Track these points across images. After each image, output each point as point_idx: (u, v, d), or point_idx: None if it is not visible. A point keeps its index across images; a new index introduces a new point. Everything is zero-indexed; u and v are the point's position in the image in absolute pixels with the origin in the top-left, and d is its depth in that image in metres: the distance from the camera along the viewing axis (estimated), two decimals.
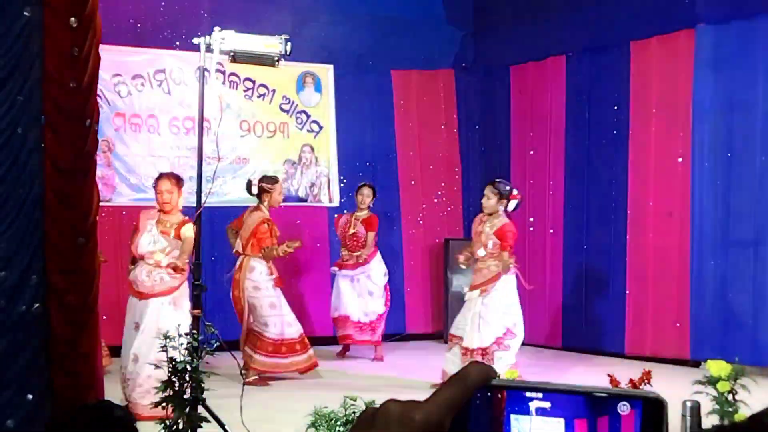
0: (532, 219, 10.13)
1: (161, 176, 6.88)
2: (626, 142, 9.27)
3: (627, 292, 9.27)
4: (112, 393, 6.34)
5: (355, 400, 4.79)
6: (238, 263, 8.03)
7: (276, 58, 6.21)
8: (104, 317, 5.39)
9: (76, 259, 4.47)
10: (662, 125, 9.00)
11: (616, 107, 9.39)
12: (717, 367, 5.36)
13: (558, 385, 0.72)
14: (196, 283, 5.76)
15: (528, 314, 10.05)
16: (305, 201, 10.20)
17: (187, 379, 5.11)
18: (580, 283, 9.73)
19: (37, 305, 4.37)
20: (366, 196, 9.20)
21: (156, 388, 5.29)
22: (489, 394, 0.72)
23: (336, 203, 10.26)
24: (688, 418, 5.10)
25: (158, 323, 6.40)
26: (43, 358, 4.40)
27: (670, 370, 8.07)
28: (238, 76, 9.78)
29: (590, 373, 8.12)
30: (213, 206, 7.81)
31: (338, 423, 4.70)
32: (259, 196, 8.09)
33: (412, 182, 10.63)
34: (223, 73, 9.48)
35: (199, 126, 5.93)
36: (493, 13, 10.65)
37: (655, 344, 8.97)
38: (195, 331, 5.48)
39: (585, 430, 0.71)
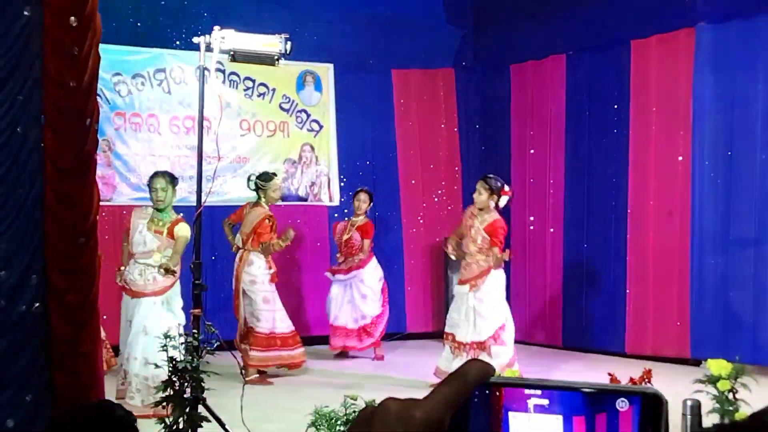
0: (532, 218, 10.13)
1: (155, 174, 7.00)
2: (626, 141, 9.26)
3: (627, 290, 9.26)
4: (113, 393, 6.36)
5: (355, 399, 4.79)
6: (237, 257, 8.08)
7: (276, 57, 6.20)
8: (104, 317, 5.39)
9: (76, 259, 4.47)
10: (662, 124, 8.99)
11: (616, 106, 9.38)
12: (717, 365, 5.36)
13: (556, 382, 0.72)
14: (196, 282, 5.76)
15: (528, 313, 10.11)
16: (305, 200, 10.20)
17: (188, 378, 5.11)
18: (581, 282, 9.72)
19: (37, 305, 4.36)
20: (362, 201, 9.16)
21: (145, 385, 5.29)
22: (487, 391, 0.72)
23: (336, 202, 10.26)
24: (689, 416, 5.11)
25: (145, 321, 6.49)
26: (43, 357, 4.40)
27: (671, 369, 8.07)
28: (238, 75, 9.79)
29: (590, 372, 8.12)
30: (213, 205, 7.84)
31: (338, 422, 4.70)
32: (257, 192, 8.14)
33: (413, 181, 10.63)
34: (223, 72, 9.49)
35: (199, 125, 5.93)
36: (493, 13, 10.64)
37: (655, 343, 8.97)
38: (195, 331, 5.48)
39: (583, 426, 0.71)
